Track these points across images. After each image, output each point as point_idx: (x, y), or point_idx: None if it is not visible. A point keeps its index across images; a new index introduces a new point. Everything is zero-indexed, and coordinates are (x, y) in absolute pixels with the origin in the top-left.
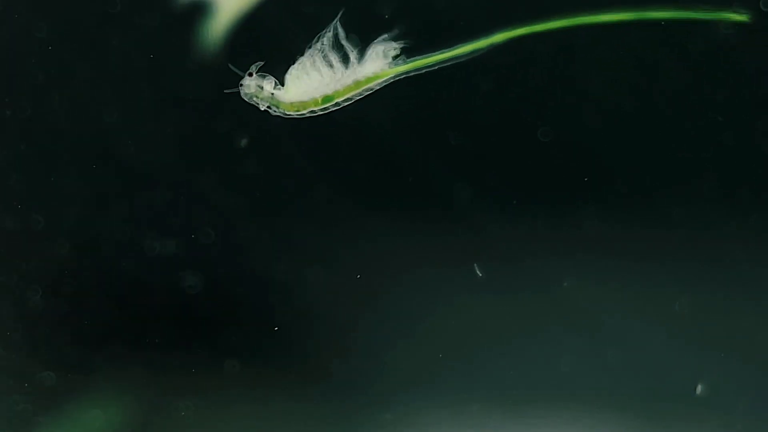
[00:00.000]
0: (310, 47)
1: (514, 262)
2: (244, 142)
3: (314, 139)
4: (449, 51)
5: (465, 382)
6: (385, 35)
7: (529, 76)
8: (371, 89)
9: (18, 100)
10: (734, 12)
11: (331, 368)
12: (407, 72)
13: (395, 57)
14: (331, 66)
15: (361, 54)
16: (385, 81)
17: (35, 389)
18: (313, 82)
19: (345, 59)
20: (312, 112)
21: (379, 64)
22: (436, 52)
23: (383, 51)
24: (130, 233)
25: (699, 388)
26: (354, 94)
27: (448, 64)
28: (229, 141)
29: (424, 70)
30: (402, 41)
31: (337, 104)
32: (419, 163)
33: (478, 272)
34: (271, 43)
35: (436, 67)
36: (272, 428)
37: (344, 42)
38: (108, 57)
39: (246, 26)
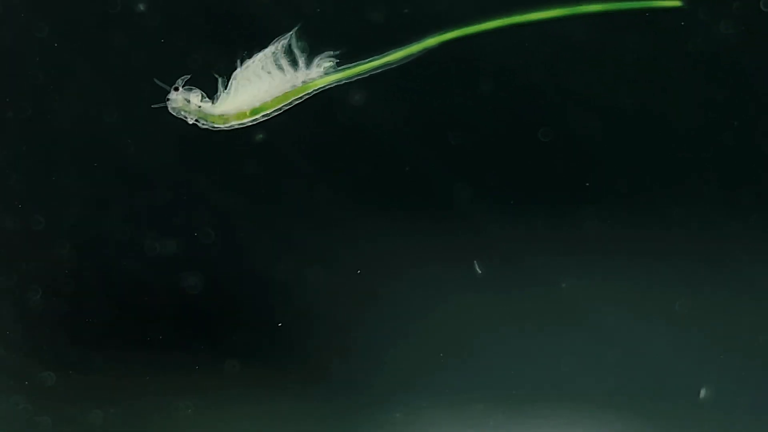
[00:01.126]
0: (249, 58)
1: (514, 261)
2: (259, 137)
3: (314, 139)
4: (381, 57)
5: (465, 381)
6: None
7: (530, 77)
8: (302, 98)
9: (18, 100)
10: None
11: (331, 368)
12: (338, 80)
13: (327, 66)
14: (260, 79)
15: (292, 65)
16: (315, 90)
17: (35, 389)
18: (243, 95)
19: (276, 71)
20: (241, 123)
21: (310, 73)
22: (368, 59)
23: (316, 61)
24: (130, 233)
25: (702, 392)
26: (284, 104)
27: (381, 70)
28: (229, 141)
29: (355, 78)
30: (333, 51)
31: (266, 115)
32: (419, 163)
33: (477, 269)
34: (268, 41)
35: (368, 75)
36: (272, 428)
37: (296, 49)
38: (108, 57)
39: (244, 25)
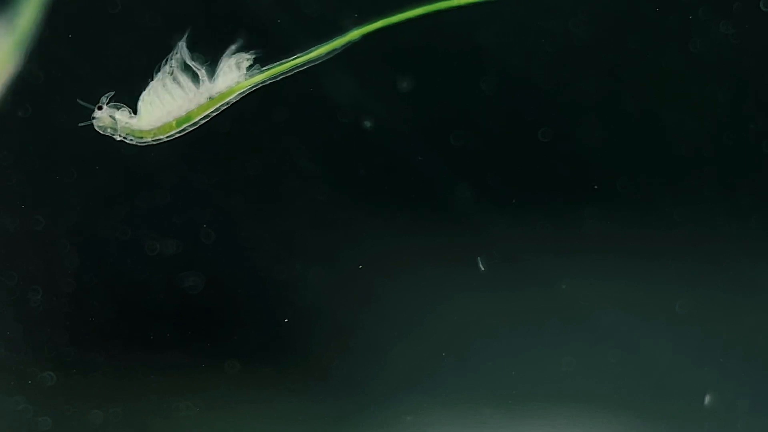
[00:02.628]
0: (158, 71)
1: (514, 261)
2: (368, 124)
3: (314, 139)
4: (305, 54)
5: (465, 381)
6: (234, 48)
7: (530, 77)
8: (229, 103)
9: (18, 100)
10: None
11: (332, 368)
12: (263, 81)
13: (249, 67)
14: (182, 87)
15: (212, 71)
16: (241, 93)
17: (35, 389)
18: (166, 106)
19: (195, 79)
20: (169, 136)
21: (233, 77)
22: (292, 57)
23: (236, 63)
24: (130, 233)
25: (707, 399)
26: (210, 111)
27: (305, 67)
28: (229, 141)
29: (280, 77)
30: (253, 51)
31: (194, 123)
32: (419, 163)
33: (480, 266)
34: (269, 41)
35: (292, 73)
36: (272, 428)
37: (191, 62)
38: (108, 57)
39: (244, 26)
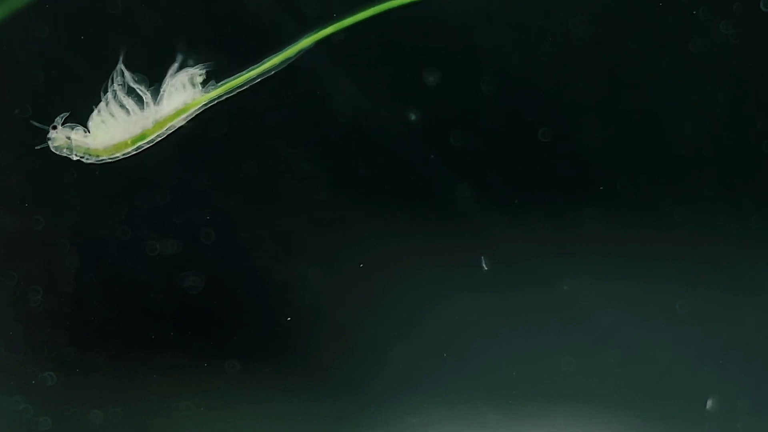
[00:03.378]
0: (107, 89)
1: (514, 261)
2: (413, 117)
3: (314, 139)
4: (260, 65)
5: (465, 381)
6: (179, 65)
7: (530, 77)
8: (184, 120)
9: (18, 100)
10: None
11: (331, 368)
12: (219, 96)
13: (204, 83)
14: (132, 106)
15: (160, 90)
16: (198, 109)
17: (35, 389)
18: (119, 125)
19: (148, 97)
20: (125, 154)
21: (187, 93)
22: (247, 69)
23: (188, 79)
24: (130, 233)
25: (709, 403)
26: (165, 128)
27: (261, 79)
28: (229, 141)
29: (236, 91)
30: (206, 65)
31: (150, 141)
32: (420, 163)
33: (484, 265)
34: (269, 41)
35: (248, 86)
36: (272, 428)
37: (135, 84)
38: (108, 57)
39: (245, 26)
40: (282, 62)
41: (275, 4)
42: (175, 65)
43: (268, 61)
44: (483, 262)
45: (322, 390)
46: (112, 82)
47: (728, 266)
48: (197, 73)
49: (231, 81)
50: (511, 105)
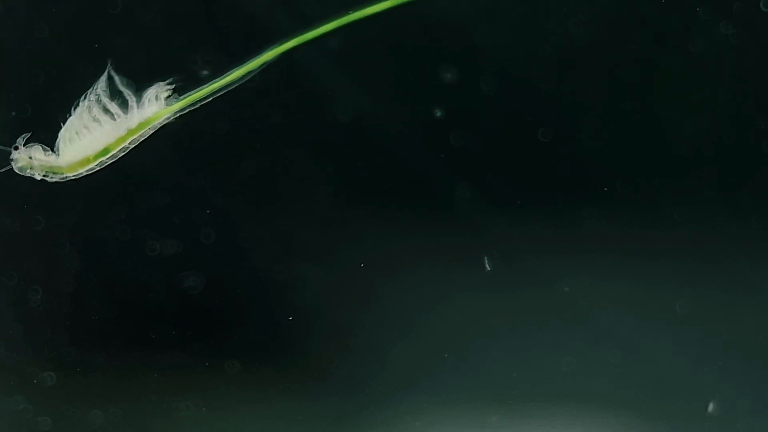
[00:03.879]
0: (77, 106)
1: (514, 261)
2: (438, 113)
3: (314, 139)
4: (222, 78)
5: (465, 381)
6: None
7: (530, 77)
8: (147, 134)
9: (18, 100)
10: None
11: (331, 368)
12: (182, 109)
13: (168, 97)
14: (100, 121)
15: (132, 102)
16: (160, 122)
17: (35, 389)
18: (85, 141)
19: (114, 111)
20: (89, 170)
21: (152, 107)
22: (210, 82)
23: (155, 94)
24: (130, 233)
25: (711, 406)
26: (128, 142)
27: (223, 92)
28: (229, 141)
29: (198, 104)
30: (171, 80)
31: (113, 156)
32: (420, 163)
33: (486, 266)
34: (269, 41)
35: (211, 99)
36: (272, 428)
37: (110, 96)
38: (108, 57)
39: (245, 26)
40: (245, 75)
41: (275, 4)
42: (163, 82)
43: (230, 74)
44: (486, 262)
45: (322, 390)
46: (86, 96)
47: (728, 266)
48: (164, 87)
49: (194, 94)
50: (511, 105)
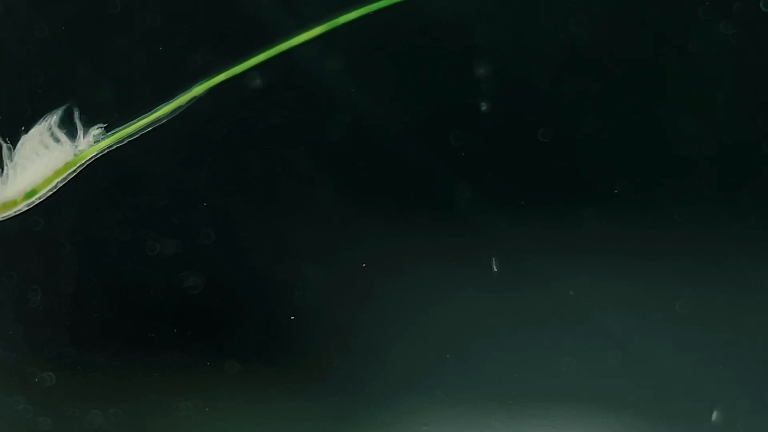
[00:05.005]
0: (12, 149)
1: (514, 261)
2: (484, 107)
3: (314, 139)
4: (150, 114)
5: (465, 381)
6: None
7: (530, 77)
8: (75, 172)
9: (18, 100)
10: None
11: (331, 368)
12: (110, 145)
13: (96, 134)
14: (37, 158)
15: (65, 140)
16: (89, 160)
17: (35, 389)
18: (17, 182)
19: (50, 148)
20: (16, 211)
21: (82, 145)
22: (138, 118)
23: (83, 132)
24: (130, 233)
25: (714, 415)
26: (57, 182)
27: (151, 128)
28: (229, 141)
29: (126, 141)
30: (100, 125)
31: (40, 197)
32: (420, 163)
33: (494, 267)
34: (269, 42)
35: (139, 135)
36: (272, 428)
37: (48, 134)
38: (108, 57)
39: (245, 26)
40: (174, 110)
41: (274, 4)
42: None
43: (158, 109)
44: (493, 263)
45: (322, 390)
46: (30, 132)
47: (728, 266)
48: (96, 125)
49: (121, 131)
50: (511, 105)
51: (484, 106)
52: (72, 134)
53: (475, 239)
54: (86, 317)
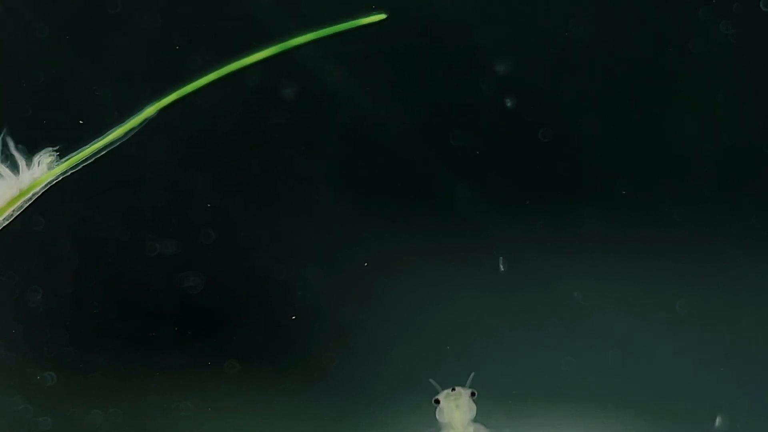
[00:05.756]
0: None
1: (514, 261)
2: (509, 103)
3: (314, 140)
4: (103, 138)
5: (465, 381)
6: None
7: (530, 77)
8: (31, 199)
9: (18, 100)
10: (371, 14)
11: (331, 368)
12: (64, 172)
13: (50, 161)
14: None
15: (17, 168)
16: (42, 187)
17: (36, 389)
18: None
19: (3, 177)
20: None
21: (37, 172)
22: (91, 143)
23: (37, 159)
24: (130, 233)
25: (718, 421)
26: (12, 210)
27: (105, 151)
28: (229, 141)
29: (80, 166)
30: (51, 146)
31: None
32: (420, 163)
33: (501, 266)
34: (269, 42)
35: (93, 159)
36: (272, 428)
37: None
38: (108, 57)
39: (245, 25)
40: (126, 133)
41: (274, 4)
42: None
43: (111, 133)
44: (501, 263)
45: (322, 390)
46: None
47: (728, 266)
48: (48, 151)
49: (74, 156)
50: (511, 105)
51: (508, 103)
52: (16, 165)
53: (475, 239)
54: (86, 317)
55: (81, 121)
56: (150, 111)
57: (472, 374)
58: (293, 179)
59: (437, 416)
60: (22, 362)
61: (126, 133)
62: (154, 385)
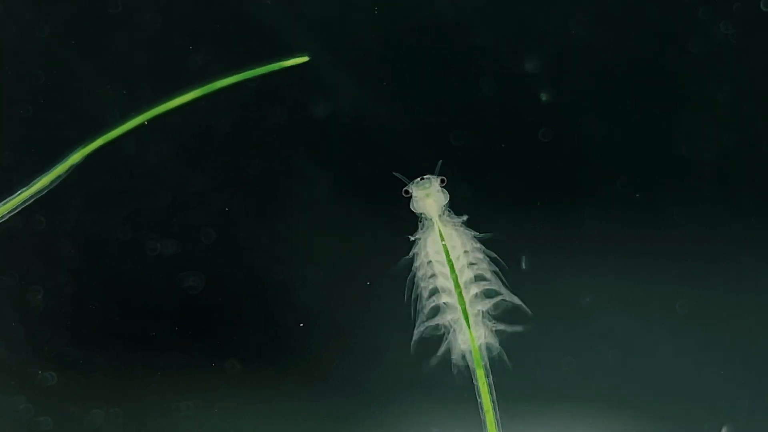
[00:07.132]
0: None
1: (514, 261)
2: (543, 97)
3: (314, 139)
4: (31, 186)
5: (465, 381)
6: None
7: (530, 77)
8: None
9: (18, 100)
10: (294, 57)
11: (331, 368)
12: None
13: None
14: None
15: None
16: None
17: (36, 389)
18: None
19: None
20: None
21: None
22: (17, 193)
23: None
24: (130, 233)
25: (724, 431)
26: None
27: (33, 200)
28: (229, 141)
29: (19, 208)
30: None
31: None
32: (420, 163)
33: (523, 265)
34: (269, 42)
35: (28, 204)
36: (272, 428)
37: None
38: (108, 57)
39: (245, 26)
40: (53, 181)
41: (275, 4)
42: None
43: (38, 180)
44: (523, 261)
45: (323, 390)
46: None
47: (728, 266)
48: None
49: (5, 204)
50: (511, 105)
51: (543, 97)
52: None
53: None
54: (87, 317)
55: (81, 122)
56: (75, 158)
57: (440, 162)
58: (293, 179)
59: (411, 208)
60: (23, 362)
61: (53, 181)
62: (155, 385)
